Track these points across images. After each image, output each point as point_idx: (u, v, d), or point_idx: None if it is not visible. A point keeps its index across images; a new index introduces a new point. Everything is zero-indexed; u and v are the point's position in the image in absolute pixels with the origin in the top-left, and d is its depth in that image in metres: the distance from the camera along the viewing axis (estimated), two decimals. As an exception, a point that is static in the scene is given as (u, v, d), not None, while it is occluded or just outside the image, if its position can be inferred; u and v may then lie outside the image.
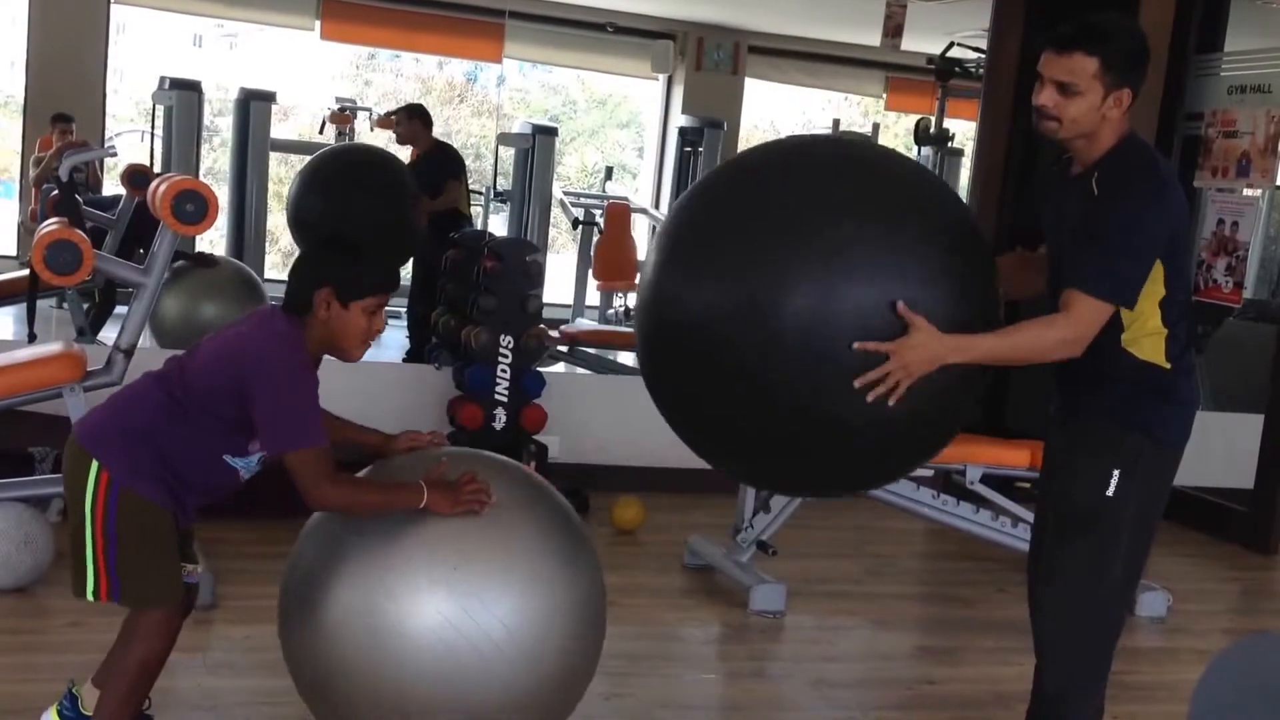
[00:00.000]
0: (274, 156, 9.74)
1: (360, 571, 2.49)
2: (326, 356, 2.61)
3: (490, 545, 2.51)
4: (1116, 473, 2.66)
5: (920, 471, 4.98)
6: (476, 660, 2.44)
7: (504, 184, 10.09)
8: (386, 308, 2.61)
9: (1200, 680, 2.18)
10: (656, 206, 11.21)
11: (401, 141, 7.56)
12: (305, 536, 2.67)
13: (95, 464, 2.52)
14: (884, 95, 12.30)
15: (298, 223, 7.27)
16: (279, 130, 10.34)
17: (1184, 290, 2.70)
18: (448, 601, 2.43)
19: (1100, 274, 2.56)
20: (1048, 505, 2.87)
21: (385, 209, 6.83)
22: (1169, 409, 2.71)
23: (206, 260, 6.66)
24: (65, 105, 8.53)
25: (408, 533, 2.48)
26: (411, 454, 2.71)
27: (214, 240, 9.34)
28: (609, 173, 11.83)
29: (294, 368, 2.49)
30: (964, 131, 9.49)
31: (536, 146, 9.88)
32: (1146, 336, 2.65)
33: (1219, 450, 6.15)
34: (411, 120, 7.33)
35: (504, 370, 5.19)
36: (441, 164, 7.25)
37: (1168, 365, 2.66)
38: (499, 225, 9.97)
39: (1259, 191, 6.43)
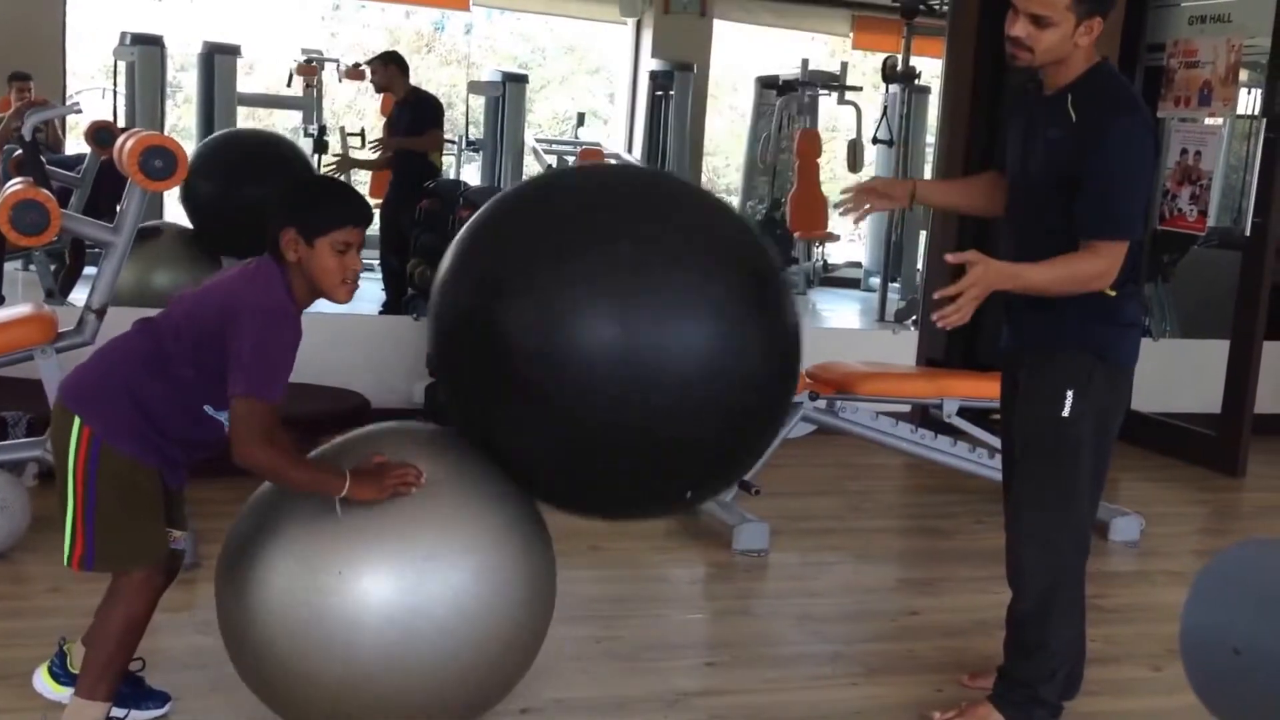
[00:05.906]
0: (241, 111, 9.63)
1: (299, 549, 2.46)
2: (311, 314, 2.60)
3: (431, 519, 2.48)
4: (1070, 393, 2.76)
5: (897, 406, 5.05)
6: (428, 633, 2.42)
7: (476, 133, 10.01)
8: (361, 255, 2.59)
9: (1191, 590, 2.22)
10: (629, 151, 11.15)
11: (379, 89, 7.49)
12: (247, 508, 2.63)
13: (77, 421, 2.52)
14: (850, 34, 12.23)
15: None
16: (245, 84, 10.20)
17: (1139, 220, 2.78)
18: (393, 577, 2.41)
19: (1117, 218, 2.67)
20: (1010, 433, 2.95)
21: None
22: (1115, 330, 2.81)
23: (147, 231, 6.56)
24: (22, 64, 8.38)
25: (350, 509, 2.45)
26: (350, 437, 2.68)
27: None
28: (581, 119, 11.74)
29: (277, 316, 2.47)
30: (930, 69, 9.47)
31: (507, 94, 9.81)
32: None
33: (1186, 375, 6.24)
34: (387, 67, 7.24)
35: (480, 320, 5.17)
36: (420, 111, 7.17)
37: (1112, 292, 2.75)
38: (472, 174, 9.91)
39: (1221, 120, 6.46)
